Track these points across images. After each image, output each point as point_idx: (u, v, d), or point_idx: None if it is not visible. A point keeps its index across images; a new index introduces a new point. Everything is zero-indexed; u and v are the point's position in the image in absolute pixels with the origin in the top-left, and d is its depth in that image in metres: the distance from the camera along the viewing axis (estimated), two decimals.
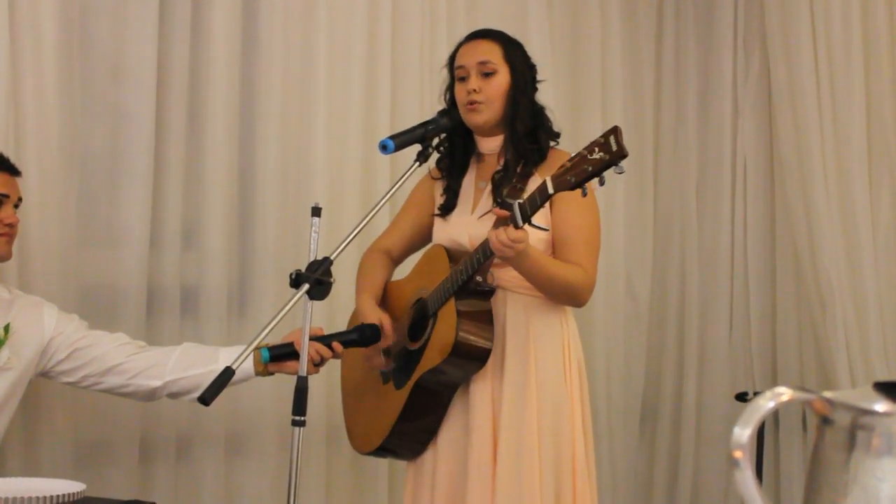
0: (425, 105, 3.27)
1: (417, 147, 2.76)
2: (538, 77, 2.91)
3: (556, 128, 2.88)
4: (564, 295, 2.74)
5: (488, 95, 2.81)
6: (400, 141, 2.71)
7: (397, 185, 2.68)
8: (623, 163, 2.39)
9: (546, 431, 2.71)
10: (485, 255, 2.60)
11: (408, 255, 3.07)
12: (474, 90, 2.80)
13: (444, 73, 2.94)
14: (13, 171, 2.80)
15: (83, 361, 2.78)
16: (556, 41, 3.97)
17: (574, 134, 3.78)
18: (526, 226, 2.49)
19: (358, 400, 3.06)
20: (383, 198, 2.65)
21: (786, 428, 4.12)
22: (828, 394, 0.93)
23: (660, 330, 4.28)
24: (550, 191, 2.46)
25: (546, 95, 3.01)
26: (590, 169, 2.40)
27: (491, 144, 2.88)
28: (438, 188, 2.97)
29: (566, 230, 2.74)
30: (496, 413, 2.73)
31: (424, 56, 3.62)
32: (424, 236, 3.00)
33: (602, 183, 2.43)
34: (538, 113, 2.86)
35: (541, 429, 2.71)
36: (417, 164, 2.74)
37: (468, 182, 2.91)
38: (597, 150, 2.39)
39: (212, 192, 3.31)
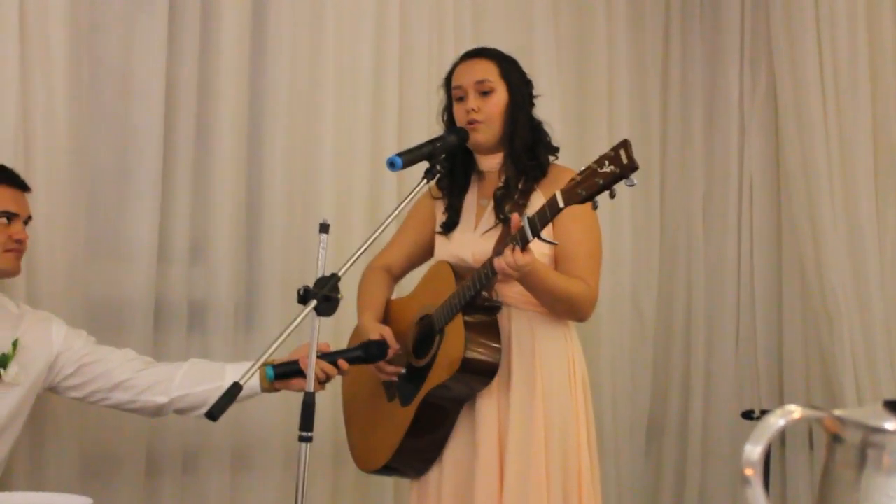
0: (433, 122, 3.27)
1: (425, 164, 2.76)
2: (535, 92, 2.91)
3: (555, 142, 2.89)
4: (567, 309, 2.74)
5: (488, 114, 2.82)
6: (408, 158, 2.71)
7: (405, 202, 2.68)
8: (633, 176, 2.39)
9: (553, 447, 2.71)
10: (492, 271, 2.60)
11: (408, 272, 3.08)
12: (473, 110, 2.81)
13: (443, 96, 2.95)
14: (23, 187, 2.81)
15: (90, 377, 2.78)
16: (562, 58, 3.98)
17: (581, 151, 3.79)
18: (535, 239, 2.49)
19: (362, 418, 3.05)
20: (391, 214, 2.65)
21: (792, 446, 4.10)
22: (838, 412, 0.93)
23: (666, 346, 4.28)
24: (561, 204, 2.45)
25: (552, 112, 3.01)
26: (600, 182, 2.40)
27: (491, 162, 2.88)
28: (440, 207, 2.97)
29: (569, 244, 2.73)
30: (502, 429, 2.73)
31: (432, 72, 3.63)
32: (425, 253, 3.00)
33: (613, 196, 2.43)
34: (536, 128, 2.87)
35: (548, 445, 2.70)
36: (425, 181, 2.74)
37: (470, 200, 2.92)
38: (607, 163, 2.39)
39: (219, 207, 3.32)
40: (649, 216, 4.22)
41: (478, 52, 2.92)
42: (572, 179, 2.45)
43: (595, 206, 2.44)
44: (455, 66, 2.93)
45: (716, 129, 4.36)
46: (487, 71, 2.84)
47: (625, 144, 2.38)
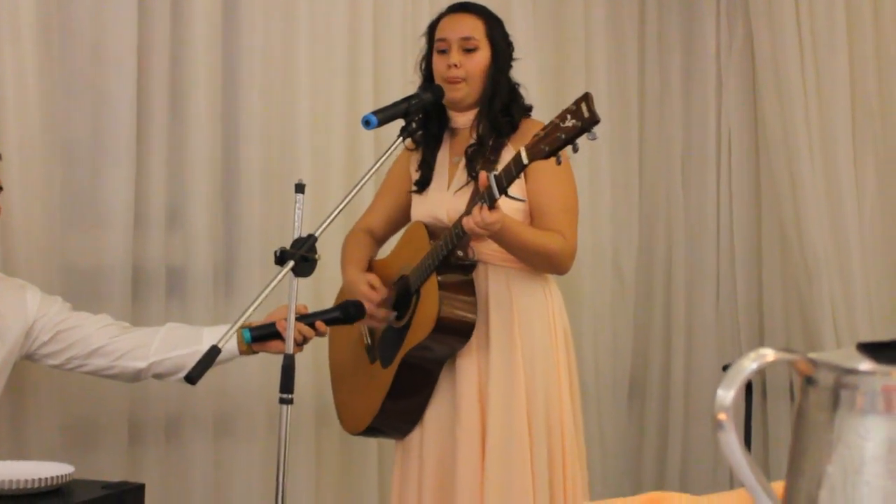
0: (408, 80, 3.26)
1: (401, 122, 2.75)
2: (515, 55, 2.90)
3: (530, 101, 2.89)
4: (545, 263, 2.74)
5: (469, 71, 2.80)
6: (383, 116, 2.70)
7: (381, 161, 2.68)
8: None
9: (536, 403, 2.72)
10: (462, 231, 2.59)
11: (391, 234, 3.07)
12: (455, 65, 2.80)
13: (423, 44, 2.93)
14: None
15: (67, 343, 2.76)
16: (538, 15, 3.96)
17: (558, 107, 3.75)
18: (503, 197, 2.49)
19: (346, 381, 3.06)
20: (367, 173, 2.64)
21: (774, 398, 4.13)
22: (812, 354, 0.93)
23: (647, 304, 4.28)
24: (525, 161, 2.46)
25: (529, 69, 2.99)
26: (563, 137, 2.41)
27: (464, 119, 2.87)
28: (413, 163, 2.96)
29: (542, 199, 2.74)
30: (483, 387, 2.73)
31: (407, 31, 3.61)
32: (405, 214, 2.99)
33: (576, 150, 2.43)
34: (513, 89, 2.86)
35: (530, 401, 2.71)
36: (401, 139, 2.74)
37: (442, 157, 2.91)
38: (569, 117, 2.40)
39: (196, 171, 3.29)
40: (628, 172, 4.21)
41: (466, 7, 2.90)
42: (535, 135, 2.46)
43: (558, 162, 2.44)
44: (441, 16, 2.91)
45: (693, 84, 4.35)
46: (474, 28, 2.83)
47: (586, 98, 2.39)
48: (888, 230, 3.90)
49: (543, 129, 2.45)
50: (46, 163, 3.08)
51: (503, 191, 2.48)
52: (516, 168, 2.47)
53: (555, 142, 2.42)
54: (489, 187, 2.49)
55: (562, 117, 2.41)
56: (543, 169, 2.59)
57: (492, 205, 2.50)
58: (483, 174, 2.53)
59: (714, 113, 4.31)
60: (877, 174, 3.87)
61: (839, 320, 3.82)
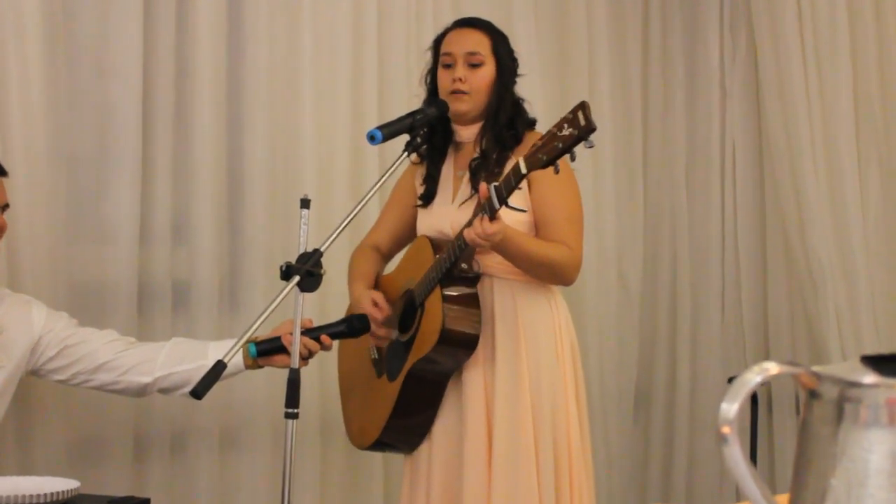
0: (413, 94, 3.27)
1: (406, 137, 2.76)
2: (519, 70, 2.92)
3: (532, 115, 2.90)
4: (550, 274, 2.75)
5: (474, 86, 2.82)
6: (388, 131, 2.71)
7: (386, 176, 2.68)
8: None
9: (542, 416, 2.72)
10: (464, 242, 2.60)
11: (398, 250, 3.08)
12: (460, 79, 2.81)
13: (429, 58, 2.94)
14: (0, 172, 2.78)
15: (74, 358, 2.77)
16: (542, 28, 3.97)
17: None
18: (503, 208, 2.50)
19: (354, 395, 3.06)
20: (372, 188, 2.65)
21: (779, 412, 4.12)
22: (816, 368, 0.93)
23: (652, 315, 4.28)
24: (523, 171, 2.47)
25: (533, 81, 3.00)
26: (560, 146, 2.42)
27: (468, 133, 2.89)
28: (419, 177, 2.97)
29: (546, 210, 2.75)
30: (489, 400, 2.73)
31: (411, 46, 3.61)
32: (410, 230, 3.01)
33: (573, 159, 2.44)
34: (517, 104, 2.87)
35: (537, 414, 2.71)
36: (406, 154, 2.74)
37: (447, 171, 2.92)
38: (566, 126, 2.41)
39: (201, 186, 3.30)
40: (632, 184, 4.21)
41: (472, 23, 2.92)
42: (534, 145, 2.47)
43: (556, 171, 2.45)
44: (447, 31, 2.92)
45: (697, 95, 4.36)
46: (480, 43, 2.84)
47: (583, 106, 2.40)
48: (892, 238, 3.90)
49: (541, 138, 2.47)
50: (52, 178, 3.08)
51: (503, 201, 2.49)
52: (515, 178, 2.49)
53: (552, 151, 2.43)
54: (489, 198, 2.50)
55: (559, 126, 2.43)
56: (546, 180, 2.60)
57: (492, 216, 2.51)
58: (483, 185, 2.54)
59: (718, 123, 4.32)
60: (881, 183, 3.87)
61: (844, 329, 3.82)
